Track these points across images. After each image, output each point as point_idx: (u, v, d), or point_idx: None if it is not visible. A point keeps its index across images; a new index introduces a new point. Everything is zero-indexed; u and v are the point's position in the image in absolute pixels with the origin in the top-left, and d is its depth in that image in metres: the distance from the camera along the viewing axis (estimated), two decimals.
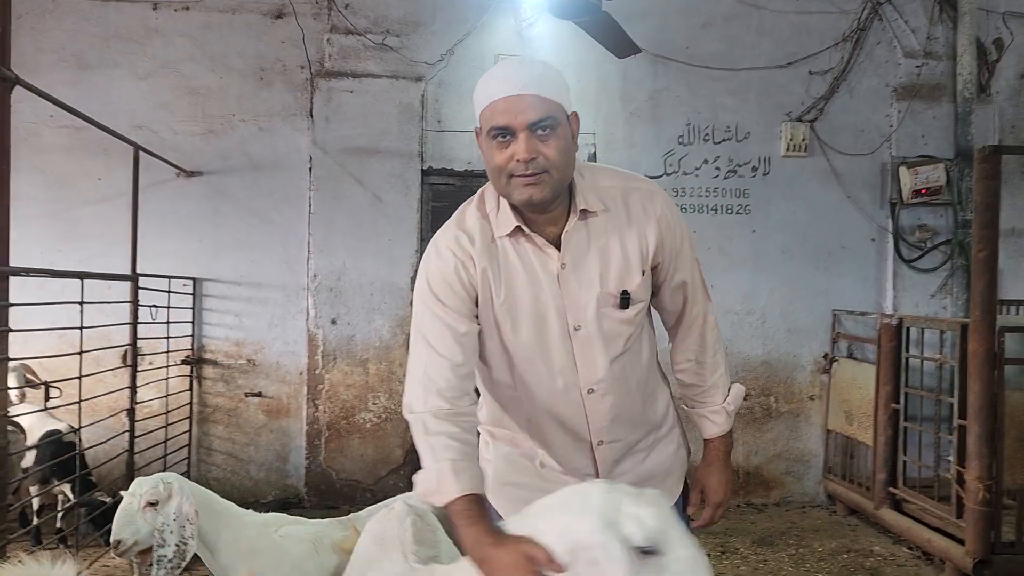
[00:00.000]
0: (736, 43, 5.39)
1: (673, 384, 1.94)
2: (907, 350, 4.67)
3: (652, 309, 1.85)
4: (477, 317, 1.66)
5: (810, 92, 5.39)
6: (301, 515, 4.94)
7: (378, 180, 5.20)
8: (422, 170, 5.28)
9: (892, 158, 5.37)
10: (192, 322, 5.17)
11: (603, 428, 1.72)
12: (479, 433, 1.76)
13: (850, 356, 5.28)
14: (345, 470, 5.16)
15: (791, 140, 5.30)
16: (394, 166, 5.21)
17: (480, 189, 1.77)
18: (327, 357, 5.17)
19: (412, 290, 5.17)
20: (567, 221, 1.65)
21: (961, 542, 3.98)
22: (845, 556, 4.38)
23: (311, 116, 5.21)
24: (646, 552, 1.29)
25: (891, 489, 4.70)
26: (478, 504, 1.49)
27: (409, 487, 5.36)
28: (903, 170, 5.23)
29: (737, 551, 4.44)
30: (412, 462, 5.26)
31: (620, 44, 4.51)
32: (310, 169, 5.19)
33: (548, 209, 1.62)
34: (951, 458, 4.22)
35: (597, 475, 1.75)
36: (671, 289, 1.78)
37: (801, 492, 5.37)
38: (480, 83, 1.62)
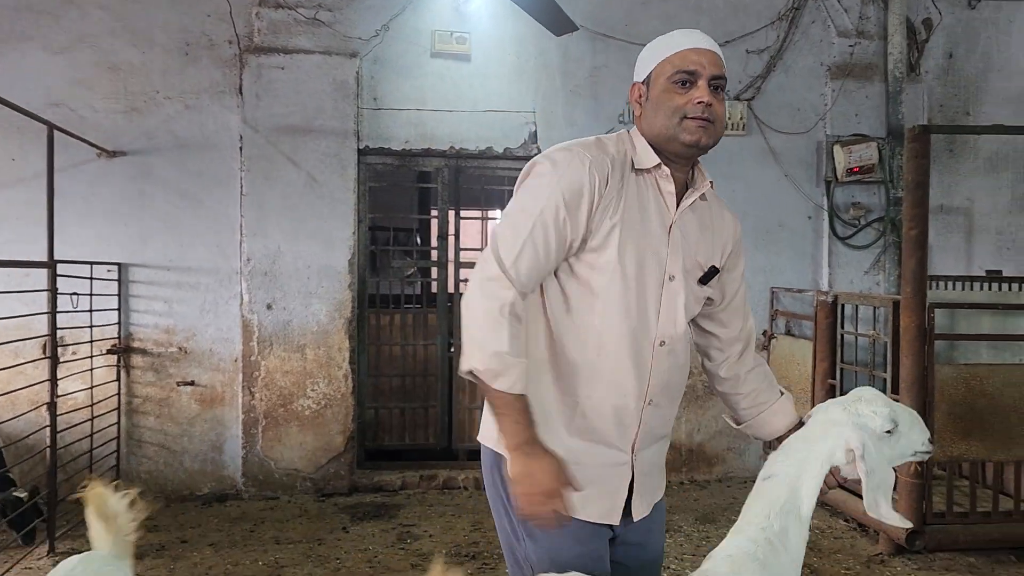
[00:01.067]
0: (674, 21, 5.36)
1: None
2: (842, 326, 4.76)
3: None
4: (576, 243, 1.69)
5: (747, 71, 5.42)
6: (239, 506, 4.86)
7: (313, 160, 5.04)
8: (358, 149, 5.13)
9: (827, 137, 5.44)
10: (118, 310, 4.94)
11: (659, 388, 1.76)
12: None
13: (788, 333, 5.37)
14: (284, 459, 5.03)
15: (729, 119, 5.31)
16: (329, 145, 5.05)
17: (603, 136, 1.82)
18: (263, 343, 5.02)
19: (350, 273, 5.06)
20: (686, 190, 1.79)
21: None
22: None
23: (241, 93, 5.01)
24: (889, 432, 1.71)
25: None
26: (526, 406, 1.59)
27: (351, 477, 5.26)
28: (837, 149, 5.30)
29: (680, 528, 4.48)
30: (353, 450, 5.16)
31: (556, 21, 4.44)
32: (241, 149, 5.00)
33: (694, 160, 1.77)
34: None
35: (632, 450, 1.77)
36: (734, 304, 1.92)
37: (743, 468, 5.45)
38: (660, 39, 1.77)
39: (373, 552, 4.12)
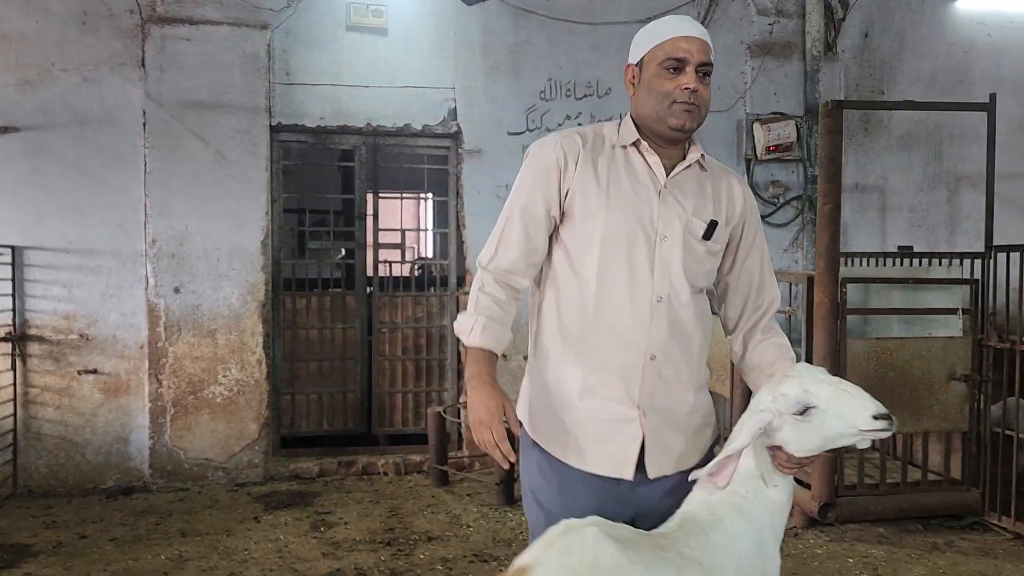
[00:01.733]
0: None
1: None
2: None
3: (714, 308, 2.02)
4: (561, 216, 1.88)
5: None
6: (146, 499, 4.66)
7: (222, 136, 4.83)
8: (271, 126, 4.95)
9: (747, 115, 5.46)
10: (12, 295, 4.67)
11: (661, 343, 1.83)
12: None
13: (713, 313, 5.38)
14: (194, 448, 4.84)
15: None
16: (239, 121, 4.85)
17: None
18: (170, 329, 4.80)
19: (263, 255, 4.89)
20: (680, 161, 1.91)
21: (808, 487, 4.13)
22: None
23: (143, 66, 4.76)
24: (803, 412, 1.65)
25: None
26: (489, 357, 1.83)
27: (266, 465, 5.12)
28: (757, 127, 5.33)
29: None
30: (268, 437, 5.00)
31: None
32: (144, 124, 4.76)
33: (682, 141, 1.88)
34: None
35: (639, 406, 1.83)
36: (747, 269, 1.97)
37: None
38: (654, 24, 1.89)
39: (284, 542, 3.98)
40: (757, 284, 1.98)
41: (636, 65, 1.89)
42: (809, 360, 4.13)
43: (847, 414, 1.62)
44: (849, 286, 4.14)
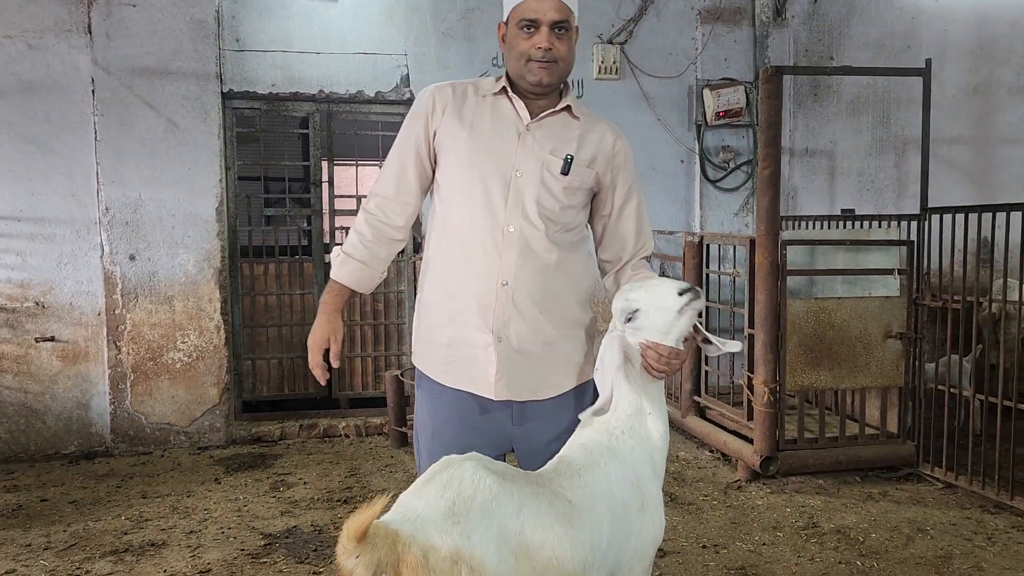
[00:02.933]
0: None
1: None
2: (707, 266, 4.91)
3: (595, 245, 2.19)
4: (432, 158, 2.06)
5: (620, 14, 5.43)
6: (108, 463, 4.73)
7: (172, 104, 4.82)
8: (222, 93, 4.94)
9: (697, 81, 5.54)
10: None
11: (512, 271, 1.97)
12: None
13: (663, 274, 5.49)
14: (156, 413, 4.91)
15: (603, 63, 5.34)
16: (190, 89, 4.84)
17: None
18: (127, 296, 4.84)
19: (219, 222, 4.92)
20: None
21: (751, 441, 4.30)
22: None
23: (89, 32, 4.72)
24: (629, 319, 1.88)
25: (695, 398, 5.01)
26: (341, 289, 2.08)
27: (227, 429, 5.18)
28: (707, 92, 5.41)
29: None
30: (229, 402, 5.07)
31: None
32: (93, 92, 4.74)
33: (546, 94, 2.01)
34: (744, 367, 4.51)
35: (493, 332, 1.98)
36: (624, 215, 2.11)
37: None
38: None
39: (243, 502, 4.08)
40: (634, 231, 2.12)
41: (504, 23, 2.03)
42: (751, 321, 4.27)
43: (660, 302, 1.84)
44: (796, 248, 4.27)
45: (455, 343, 2.01)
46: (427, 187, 2.11)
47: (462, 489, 1.54)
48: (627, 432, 1.83)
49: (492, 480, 1.57)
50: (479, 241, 1.98)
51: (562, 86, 2.05)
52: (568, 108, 2.04)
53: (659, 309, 1.85)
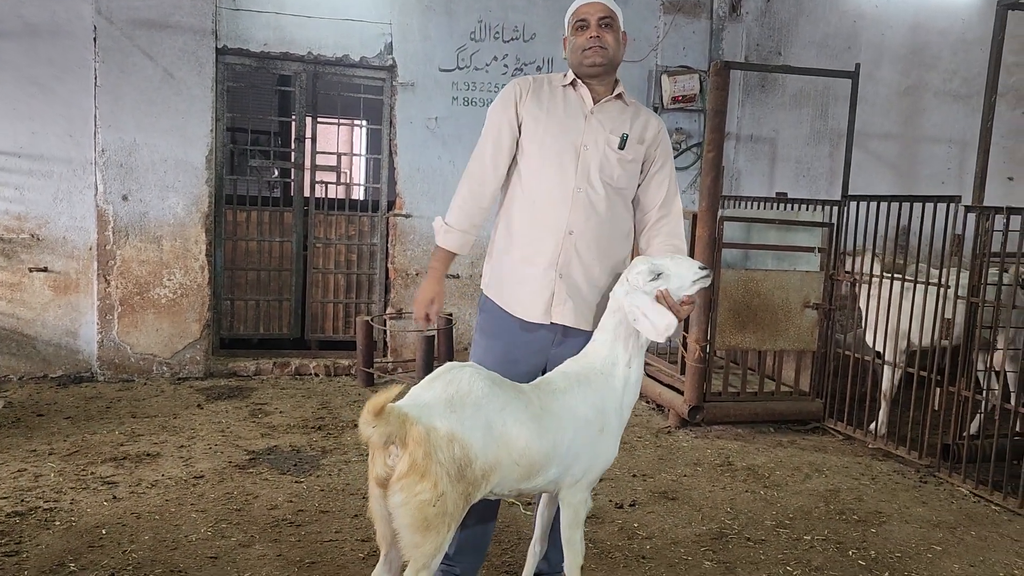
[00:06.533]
0: None
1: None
2: None
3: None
4: (519, 136, 2.51)
5: None
6: (95, 387, 5.11)
7: (170, 56, 5.14)
8: (217, 48, 5.27)
9: (657, 66, 6.03)
10: None
11: (578, 223, 2.47)
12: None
13: None
14: (140, 344, 5.29)
15: None
16: (186, 42, 5.16)
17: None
18: (119, 233, 5.18)
19: (207, 170, 5.27)
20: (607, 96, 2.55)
21: (682, 393, 4.87)
22: None
23: None
24: (655, 279, 2.28)
25: None
26: (446, 255, 2.54)
27: (207, 362, 5.57)
28: (664, 78, 5.90)
29: None
30: (209, 337, 5.47)
31: None
32: (95, 39, 5.03)
33: (601, 76, 2.49)
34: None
35: (557, 268, 2.47)
36: (656, 183, 2.58)
37: None
38: (572, 3, 2.54)
39: (226, 424, 4.52)
40: (664, 197, 2.60)
41: (565, 37, 2.58)
42: None
43: (683, 271, 2.30)
44: (734, 224, 4.81)
45: (526, 280, 2.48)
46: (510, 161, 2.54)
47: (460, 387, 2.03)
48: (602, 372, 2.31)
49: (484, 383, 2.06)
50: (552, 200, 2.47)
51: (615, 81, 2.54)
52: (621, 95, 2.53)
53: (679, 276, 2.29)
